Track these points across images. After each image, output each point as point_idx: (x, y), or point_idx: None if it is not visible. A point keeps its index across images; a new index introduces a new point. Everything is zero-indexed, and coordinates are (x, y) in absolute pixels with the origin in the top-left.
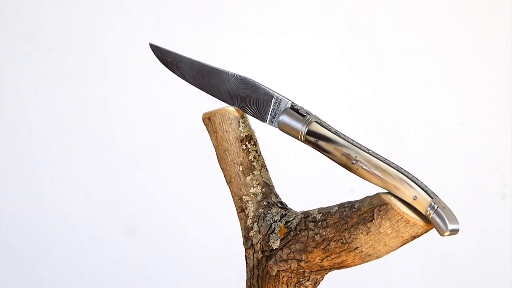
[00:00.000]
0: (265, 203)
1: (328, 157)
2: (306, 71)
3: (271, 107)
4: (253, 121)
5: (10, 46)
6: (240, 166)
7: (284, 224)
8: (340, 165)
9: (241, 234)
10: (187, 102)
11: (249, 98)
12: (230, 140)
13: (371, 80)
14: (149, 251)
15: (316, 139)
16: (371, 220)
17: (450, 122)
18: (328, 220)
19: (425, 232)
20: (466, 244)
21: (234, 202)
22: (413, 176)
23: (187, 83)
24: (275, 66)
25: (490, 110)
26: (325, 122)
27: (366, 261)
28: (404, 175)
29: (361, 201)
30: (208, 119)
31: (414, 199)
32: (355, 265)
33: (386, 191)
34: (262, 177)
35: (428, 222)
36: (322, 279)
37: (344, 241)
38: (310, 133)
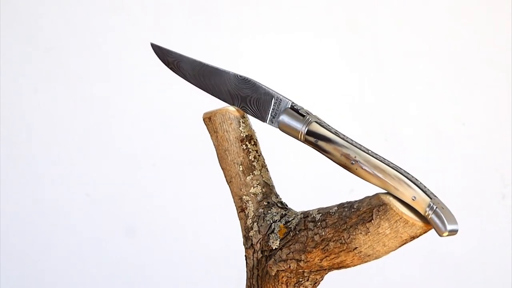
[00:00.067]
0: (265, 203)
1: (328, 157)
2: (306, 71)
3: (271, 107)
4: (253, 121)
5: (10, 46)
6: (240, 166)
7: (283, 224)
8: (340, 165)
9: (241, 234)
10: (187, 102)
11: (250, 98)
12: (230, 140)
13: (371, 80)
14: (149, 251)
15: (316, 139)
16: (370, 221)
17: (450, 122)
18: (327, 220)
19: (424, 233)
20: (466, 244)
21: (234, 202)
22: (412, 177)
23: (187, 83)
24: (275, 66)
25: (490, 110)
26: (325, 122)
27: (365, 262)
28: (403, 175)
29: (360, 201)
30: (209, 119)
31: (413, 200)
32: (355, 265)
33: (385, 191)
34: (262, 177)
35: (427, 223)
36: (322, 279)
37: (343, 241)
38: (309, 133)
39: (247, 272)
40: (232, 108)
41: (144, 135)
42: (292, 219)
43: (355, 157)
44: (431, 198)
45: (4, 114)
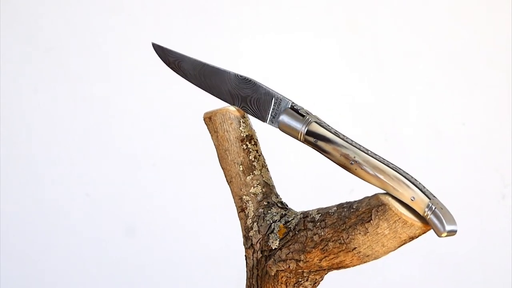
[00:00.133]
0: (265, 203)
1: (327, 158)
2: (306, 71)
3: (272, 107)
4: (254, 121)
5: (10, 46)
6: (241, 166)
7: (283, 224)
8: (339, 165)
9: (241, 234)
10: (187, 102)
11: (250, 98)
12: (230, 140)
13: (371, 80)
14: (149, 251)
15: (316, 139)
16: (369, 221)
17: (450, 122)
18: (326, 221)
19: (423, 233)
20: (466, 244)
21: (234, 202)
22: (412, 177)
23: (187, 83)
24: (275, 66)
25: (490, 110)
26: (324, 123)
27: (365, 262)
28: (403, 175)
29: (360, 201)
30: (209, 119)
31: (412, 200)
32: (354, 265)
33: (384, 191)
34: (263, 177)
35: (426, 223)
36: (322, 279)
37: (342, 242)
38: (309, 133)
39: (247, 272)
40: (232, 108)
41: (144, 135)
42: (292, 219)
43: (354, 157)
44: (430, 199)
45: (4, 114)
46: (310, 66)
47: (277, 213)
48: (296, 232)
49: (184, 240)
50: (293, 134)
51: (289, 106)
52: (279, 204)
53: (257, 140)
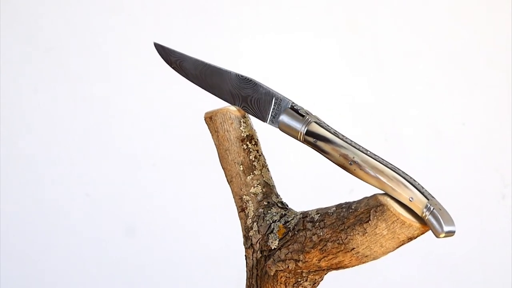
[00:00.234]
0: (265, 203)
1: (327, 158)
2: (306, 71)
3: (272, 107)
4: (254, 121)
5: (10, 46)
6: (241, 166)
7: (283, 224)
8: (338, 165)
9: (241, 233)
10: (187, 102)
11: (250, 98)
12: (231, 140)
13: (371, 80)
14: (149, 251)
15: (315, 140)
16: (367, 221)
17: (450, 122)
18: (325, 221)
19: (422, 234)
20: (465, 244)
21: (235, 202)
22: (410, 178)
23: (187, 83)
24: (275, 66)
25: (490, 110)
26: (324, 123)
27: (363, 262)
28: (401, 176)
29: (359, 202)
30: (210, 119)
31: (410, 201)
32: (352, 266)
33: (383, 192)
34: (263, 177)
35: (424, 224)
36: (322, 279)
37: (341, 242)
38: (309, 133)
39: (246, 272)
40: (233, 108)
41: (144, 135)
42: (291, 219)
43: (353, 157)
44: (428, 199)
45: (4, 114)
46: (310, 66)
47: (277, 213)
48: (296, 232)
49: (184, 240)
50: (293, 134)
51: (289, 106)
52: (279, 204)
53: (257, 140)
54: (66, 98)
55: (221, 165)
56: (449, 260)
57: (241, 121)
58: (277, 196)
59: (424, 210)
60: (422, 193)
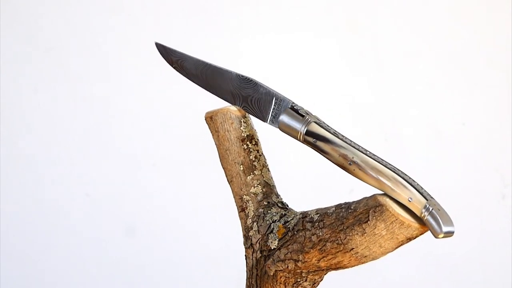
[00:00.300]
0: (265, 203)
1: (326, 158)
2: (306, 71)
3: (272, 107)
4: (255, 121)
5: (10, 46)
6: (241, 166)
7: (282, 224)
8: (338, 166)
9: (242, 233)
10: (187, 102)
11: (251, 97)
12: (231, 140)
13: (371, 80)
14: (149, 251)
15: (315, 140)
16: (366, 221)
17: (450, 122)
18: (325, 221)
19: (420, 234)
20: (465, 244)
21: (235, 202)
22: (409, 178)
23: (187, 83)
24: (275, 66)
25: (490, 110)
26: (324, 123)
27: (363, 262)
28: (400, 176)
29: (358, 202)
30: (210, 118)
31: (409, 201)
32: (352, 266)
33: (382, 192)
34: (263, 177)
35: (423, 224)
36: (321, 279)
37: (340, 242)
38: (308, 133)
39: (246, 272)
40: (233, 108)
41: (144, 135)
42: (291, 219)
43: (352, 157)
44: (427, 200)
45: (4, 114)
46: (310, 66)
47: (277, 213)
48: (295, 232)
49: (184, 240)
50: (292, 134)
51: (289, 106)
52: (279, 204)
53: (258, 140)
54: (66, 98)
55: (222, 165)
56: (449, 260)
57: (242, 121)
58: (277, 196)
59: (423, 210)
60: (421, 194)
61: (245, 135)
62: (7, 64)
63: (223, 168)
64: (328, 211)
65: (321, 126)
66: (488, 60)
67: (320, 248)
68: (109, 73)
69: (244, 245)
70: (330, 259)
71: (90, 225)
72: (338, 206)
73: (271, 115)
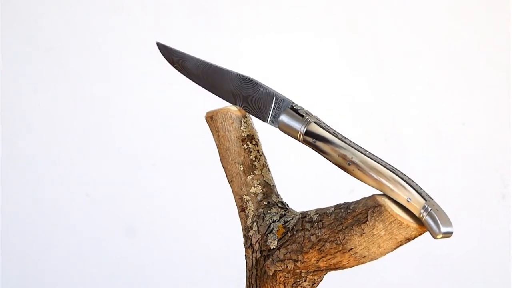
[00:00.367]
0: (265, 203)
1: (326, 158)
2: (306, 71)
3: (272, 107)
4: (255, 121)
5: (10, 46)
6: (241, 166)
7: (282, 224)
8: (337, 166)
9: (242, 233)
10: (187, 102)
11: (251, 97)
12: (231, 140)
13: (371, 80)
14: (149, 251)
15: (314, 140)
16: (365, 222)
17: (450, 122)
18: (324, 221)
19: (419, 235)
20: (465, 244)
21: (235, 202)
22: (408, 178)
23: (187, 83)
24: (275, 66)
25: (490, 110)
26: (324, 123)
27: (362, 263)
28: (399, 177)
29: (357, 202)
30: (211, 118)
31: (408, 201)
32: (351, 266)
33: (381, 192)
34: (263, 177)
35: (422, 225)
36: (321, 280)
37: (339, 242)
38: (308, 133)
39: (246, 271)
40: (233, 108)
41: (144, 135)
42: (291, 219)
43: (351, 158)
44: (426, 200)
45: (4, 114)
46: (310, 66)
47: (277, 213)
48: (294, 232)
49: (184, 240)
50: (292, 134)
51: (289, 106)
52: (279, 204)
53: (258, 140)
54: (66, 98)
55: (222, 164)
56: (449, 261)
57: (242, 121)
58: (278, 196)
59: (422, 211)
60: (420, 194)
61: (246, 135)
62: (7, 64)
63: (223, 168)
64: (328, 211)
65: (321, 126)
66: (488, 60)
67: (319, 248)
68: (109, 73)
69: (244, 245)
70: (329, 259)
71: (90, 225)
72: (338, 207)
73: (271, 115)
